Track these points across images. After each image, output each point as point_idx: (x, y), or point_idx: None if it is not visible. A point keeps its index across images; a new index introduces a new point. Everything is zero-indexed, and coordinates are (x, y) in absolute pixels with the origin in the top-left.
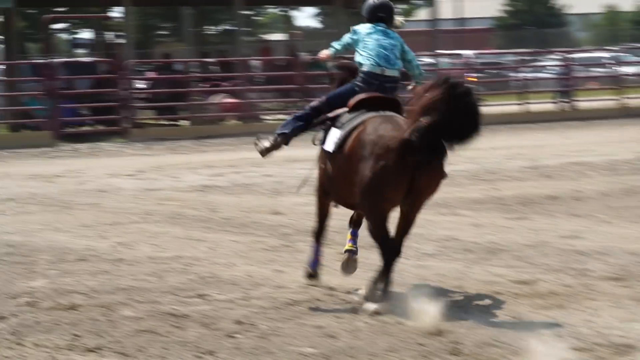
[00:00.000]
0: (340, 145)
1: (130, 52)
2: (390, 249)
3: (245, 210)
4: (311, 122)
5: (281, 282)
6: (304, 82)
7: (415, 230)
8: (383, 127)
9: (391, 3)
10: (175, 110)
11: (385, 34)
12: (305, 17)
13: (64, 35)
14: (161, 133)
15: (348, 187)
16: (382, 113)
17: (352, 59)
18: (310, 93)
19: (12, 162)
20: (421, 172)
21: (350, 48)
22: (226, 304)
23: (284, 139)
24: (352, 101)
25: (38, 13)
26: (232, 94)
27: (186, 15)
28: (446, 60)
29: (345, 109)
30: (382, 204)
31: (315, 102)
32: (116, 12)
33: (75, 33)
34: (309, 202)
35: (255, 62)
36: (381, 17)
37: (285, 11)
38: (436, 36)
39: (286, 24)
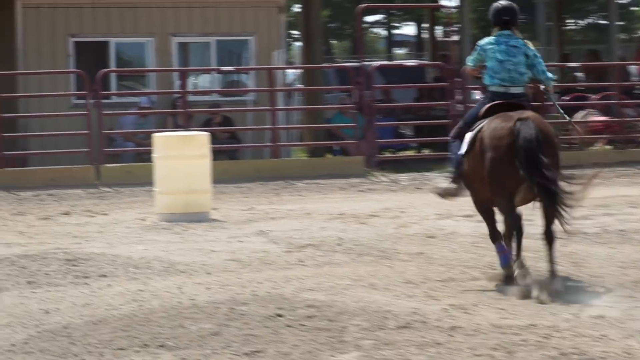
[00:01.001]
0: (471, 145)
1: (468, 53)
2: (518, 228)
3: (621, 266)
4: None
5: None
6: None
7: None
8: (498, 120)
9: (515, 5)
10: None
11: (508, 48)
12: None
13: (381, 31)
14: None
15: (482, 183)
16: (506, 113)
17: None
18: None
19: (312, 197)
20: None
21: (480, 64)
22: None
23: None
24: (482, 110)
25: (347, 1)
26: (602, 110)
27: (540, 5)
28: None
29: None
30: (502, 187)
31: (454, 132)
32: (449, 1)
33: (395, 28)
34: None
35: (633, 67)
36: (506, 20)
37: None
38: None
39: None
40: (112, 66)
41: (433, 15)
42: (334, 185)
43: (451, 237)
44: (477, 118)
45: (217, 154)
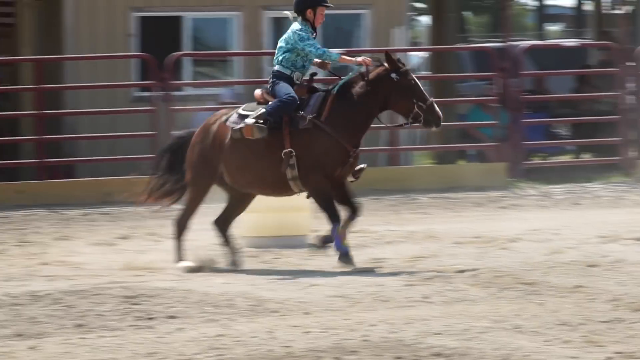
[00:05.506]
0: None
1: None
2: None
3: None
4: None
5: None
6: None
7: None
8: None
9: None
10: None
11: None
12: None
13: (529, 2)
14: None
15: None
16: None
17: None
18: None
19: (439, 215)
20: None
21: None
22: None
23: None
24: None
25: None
26: None
27: None
28: None
29: None
30: None
31: None
32: None
33: None
34: None
35: None
36: None
37: None
38: None
39: None
40: (186, 49)
41: None
42: (467, 200)
43: (618, 266)
44: None
45: None
